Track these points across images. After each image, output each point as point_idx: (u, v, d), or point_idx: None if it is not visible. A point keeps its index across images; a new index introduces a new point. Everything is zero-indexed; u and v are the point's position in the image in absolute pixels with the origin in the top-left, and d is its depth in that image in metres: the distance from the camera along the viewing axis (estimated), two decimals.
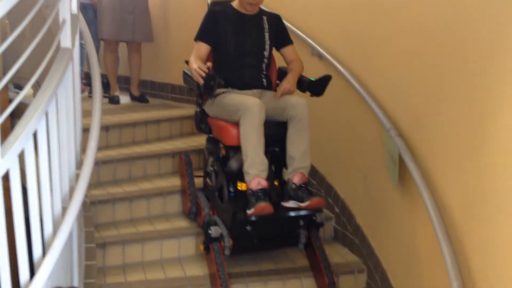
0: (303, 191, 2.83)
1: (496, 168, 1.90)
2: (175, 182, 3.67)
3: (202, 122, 3.23)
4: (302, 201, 2.82)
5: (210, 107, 3.16)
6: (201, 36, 3.13)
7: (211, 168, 3.22)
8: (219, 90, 3.02)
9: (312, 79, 3.09)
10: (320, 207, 2.86)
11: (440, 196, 2.33)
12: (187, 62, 3.15)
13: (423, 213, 2.40)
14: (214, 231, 2.98)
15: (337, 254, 3.32)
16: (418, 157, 2.55)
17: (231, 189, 3.02)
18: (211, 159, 3.26)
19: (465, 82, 2.14)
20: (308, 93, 3.13)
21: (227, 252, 2.99)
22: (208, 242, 3.01)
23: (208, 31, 3.12)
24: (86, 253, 2.70)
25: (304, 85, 3.12)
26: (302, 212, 2.86)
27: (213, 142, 3.19)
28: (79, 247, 2.46)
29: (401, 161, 2.61)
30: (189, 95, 4.78)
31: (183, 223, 3.42)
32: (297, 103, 2.91)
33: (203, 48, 3.10)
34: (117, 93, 4.81)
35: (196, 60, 3.02)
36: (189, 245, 3.29)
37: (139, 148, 3.96)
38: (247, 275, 3.08)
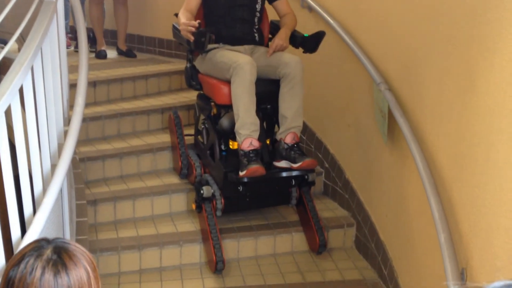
0: (295, 152, 2.81)
1: (485, 122, 1.90)
2: (164, 138, 3.66)
3: (192, 79, 3.16)
4: (294, 162, 2.80)
5: (200, 64, 3.10)
6: None
7: (202, 126, 3.19)
8: (210, 46, 2.96)
9: (305, 34, 3.02)
10: (312, 167, 2.85)
11: (429, 150, 2.34)
12: (176, 15, 3.07)
13: (412, 167, 2.42)
14: (206, 190, 2.97)
15: (327, 209, 3.35)
16: (407, 111, 2.55)
17: (223, 148, 2.99)
18: (202, 116, 3.23)
19: (456, 36, 2.12)
20: (300, 49, 3.08)
21: (219, 213, 2.99)
22: (200, 202, 3.01)
23: None
24: (77, 210, 2.71)
25: (297, 40, 3.05)
26: (294, 173, 2.85)
27: (204, 99, 3.14)
28: (70, 204, 2.46)
29: (391, 116, 2.61)
30: (177, 49, 4.70)
31: (173, 179, 3.43)
32: (290, 61, 2.85)
33: (194, 0, 3.01)
34: (103, 47, 4.73)
35: (185, 14, 2.94)
36: (180, 201, 3.31)
37: (127, 104, 3.92)
38: (238, 230, 3.11)
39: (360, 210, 3.15)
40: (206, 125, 3.15)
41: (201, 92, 3.19)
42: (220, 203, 2.98)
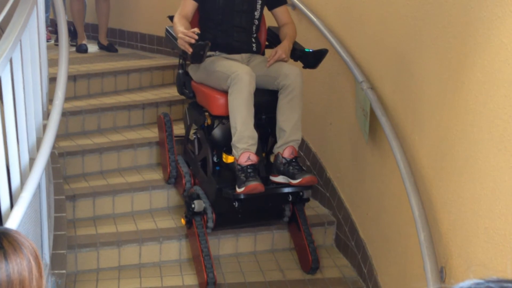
0: (294, 167, 2.69)
1: (466, 122, 1.92)
2: (145, 134, 3.63)
3: (185, 87, 3.02)
4: (293, 178, 2.67)
5: (195, 71, 2.95)
6: None
7: (194, 136, 3.05)
8: None
9: (306, 49, 2.92)
10: (312, 184, 2.73)
11: (410, 149, 2.36)
12: (169, 18, 2.93)
13: (393, 166, 2.44)
14: (197, 205, 2.83)
15: (308, 207, 3.34)
16: (389, 110, 2.56)
17: (215, 160, 2.86)
18: (193, 126, 3.08)
19: (439, 36, 2.14)
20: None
21: (209, 230, 2.88)
22: (191, 216, 2.89)
23: None
24: (56, 205, 2.67)
25: (296, 54, 2.93)
26: (293, 189, 2.74)
27: (197, 108, 2.97)
28: (48, 199, 2.42)
29: (372, 114, 2.61)
30: (159, 45, 4.67)
31: (154, 175, 3.40)
32: (290, 72, 2.73)
33: (190, 5, 2.85)
34: (84, 41, 4.67)
35: (182, 20, 2.79)
36: (161, 198, 3.28)
37: (108, 99, 3.87)
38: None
39: (341, 208, 3.16)
40: (198, 135, 3.02)
41: (194, 100, 3.04)
42: (211, 217, 2.87)
